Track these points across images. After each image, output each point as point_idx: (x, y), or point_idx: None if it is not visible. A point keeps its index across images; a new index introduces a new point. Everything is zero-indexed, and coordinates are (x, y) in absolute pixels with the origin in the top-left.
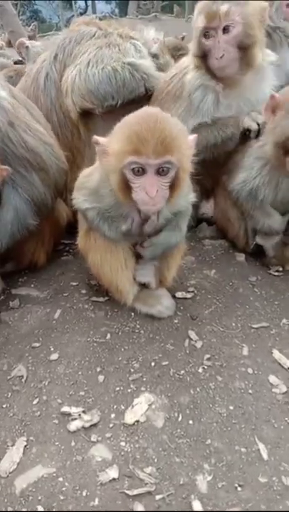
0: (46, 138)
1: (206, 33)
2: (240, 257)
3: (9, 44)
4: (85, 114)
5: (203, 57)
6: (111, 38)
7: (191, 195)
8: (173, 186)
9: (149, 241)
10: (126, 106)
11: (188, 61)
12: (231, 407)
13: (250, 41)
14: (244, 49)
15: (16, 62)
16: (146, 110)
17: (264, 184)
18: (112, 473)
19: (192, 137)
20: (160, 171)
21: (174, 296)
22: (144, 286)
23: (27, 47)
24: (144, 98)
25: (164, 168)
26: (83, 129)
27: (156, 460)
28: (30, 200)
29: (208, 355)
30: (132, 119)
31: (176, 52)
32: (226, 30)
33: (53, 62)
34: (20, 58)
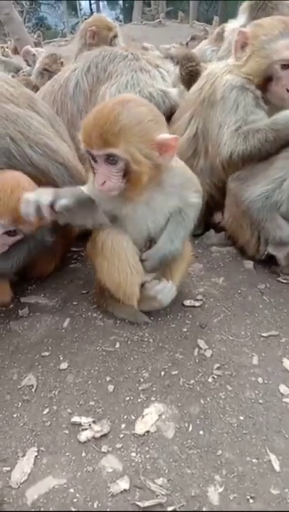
0: (58, 157)
1: (284, 65)
2: (249, 264)
3: (15, 51)
4: None
5: (266, 80)
6: (141, 62)
7: (193, 195)
8: (128, 178)
9: (145, 254)
10: None
11: (218, 68)
12: (242, 417)
13: None
14: None
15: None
16: (114, 99)
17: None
18: (123, 484)
19: (169, 137)
20: (109, 160)
21: (182, 305)
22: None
23: (33, 54)
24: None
25: (112, 158)
26: None
27: (167, 471)
28: None
29: (217, 365)
30: (96, 107)
31: (187, 62)
32: None
33: (85, 73)
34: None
